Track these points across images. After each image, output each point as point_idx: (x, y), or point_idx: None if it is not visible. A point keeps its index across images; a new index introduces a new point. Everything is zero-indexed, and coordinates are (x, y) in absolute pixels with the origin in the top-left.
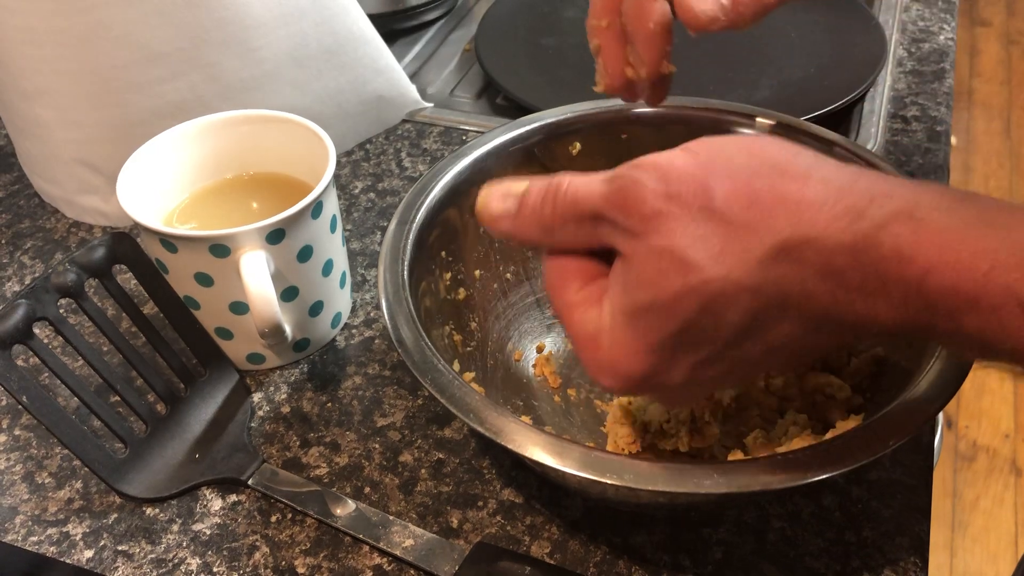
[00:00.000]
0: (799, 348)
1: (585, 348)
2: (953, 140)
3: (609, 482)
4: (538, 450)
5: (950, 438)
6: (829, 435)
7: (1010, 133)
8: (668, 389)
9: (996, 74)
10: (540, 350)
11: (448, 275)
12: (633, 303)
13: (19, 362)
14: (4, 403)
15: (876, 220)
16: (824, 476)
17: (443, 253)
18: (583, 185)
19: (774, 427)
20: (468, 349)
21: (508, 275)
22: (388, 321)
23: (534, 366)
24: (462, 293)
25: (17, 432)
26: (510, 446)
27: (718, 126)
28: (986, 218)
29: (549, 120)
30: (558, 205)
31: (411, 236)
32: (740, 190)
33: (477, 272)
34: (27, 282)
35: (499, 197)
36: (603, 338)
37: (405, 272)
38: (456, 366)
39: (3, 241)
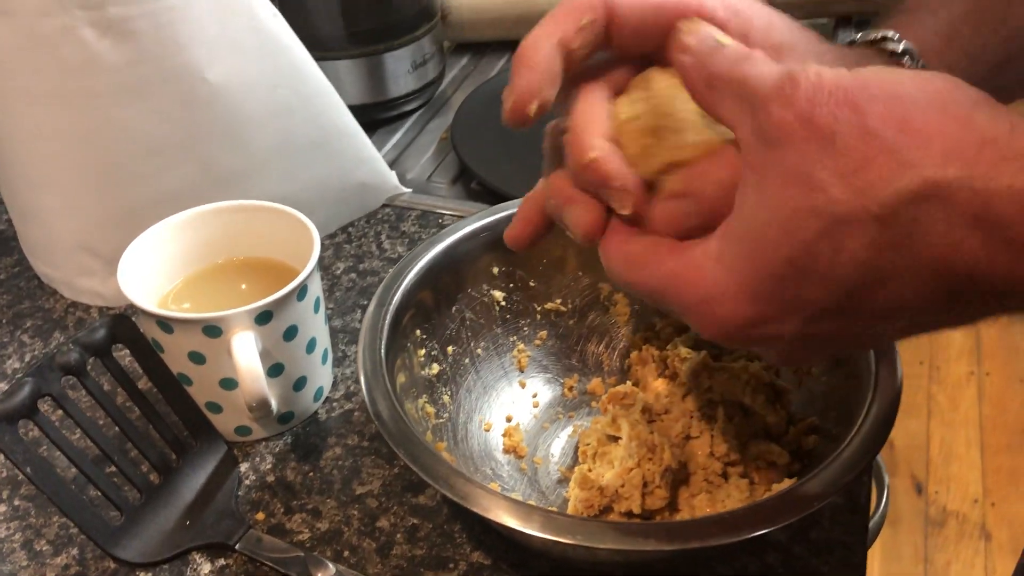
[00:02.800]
0: (930, 316)
1: (684, 285)
2: None
3: (565, 541)
4: (502, 513)
5: (920, 504)
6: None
7: None
8: (778, 342)
9: None
10: (508, 420)
11: (422, 352)
12: (747, 223)
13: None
14: (4, 475)
15: None
16: (757, 533)
17: (418, 332)
18: (761, 65)
19: (719, 490)
20: (440, 420)
21: (479, 351)
22: (366, 396)
23: (503, 436)
24: (435, 368)
25: (16, 502)
26: (476, 510)
27: None
28: None
29: (515, 209)
30: (734, 69)
31: (388, 317)
32: (893, 113)
33: (450, 348)
34: (27, 359)
35: (700, 37)
36: (707, 269)
37: (382, 350)
38: (429, 436)
39: (4, 321)
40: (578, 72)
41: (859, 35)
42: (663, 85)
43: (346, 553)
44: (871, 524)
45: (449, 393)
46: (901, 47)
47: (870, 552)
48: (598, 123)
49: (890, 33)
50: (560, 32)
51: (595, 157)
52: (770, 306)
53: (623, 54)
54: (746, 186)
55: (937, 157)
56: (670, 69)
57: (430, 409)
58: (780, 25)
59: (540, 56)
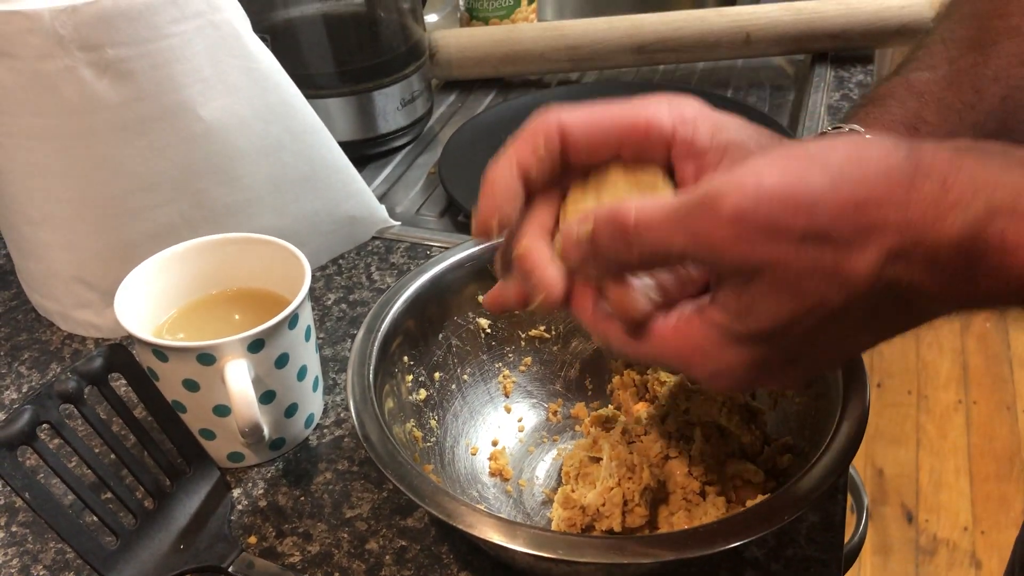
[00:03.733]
0: (896, 329)
1: (691, 361)
2: None
3: (546, 555)
4: (488, 530)
5: (911, 532)
6: None
7: None
8: (779, 378)
9: None
10: (495, 444)
11: (410, 378)
12: (749, 330)
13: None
14: (2, 502)
15: (980, 214)
16: (731, 545)
17: (405, 358)
18: (659, 224)
19: (697, 508)
20: (428, 444)
21: (465, 376)
22: (356, 419)
23: (489, 459)
24: (422, 394)
25: (14, 529)
26: (463, 527)
27: None
28: None
29: (484, 244)
30: (637, 247)
31: (376, 344)
32: (843, 203)
33: (437, 375)
34: (24, 390)
35: (573, 243)
36: (712, 353)
37: (371, 376)
38: (417, 459)
39: (2, 353)
40: (539, 186)
41: (829, 127)
42: (614, 179)
43: (336, 575)
44: (851, 546)
45: (436, 418)
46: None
47: None
48: (538, 224)
49: (856, 127)
50: (518, 158)
51: (520, 253)
52: (775, 368)
53: (581, 166)
54: (737, 295)
55: (893, 229)
56: (628, 164)
57: (418, 433)
58: (729, 124)
59: (500, 183)
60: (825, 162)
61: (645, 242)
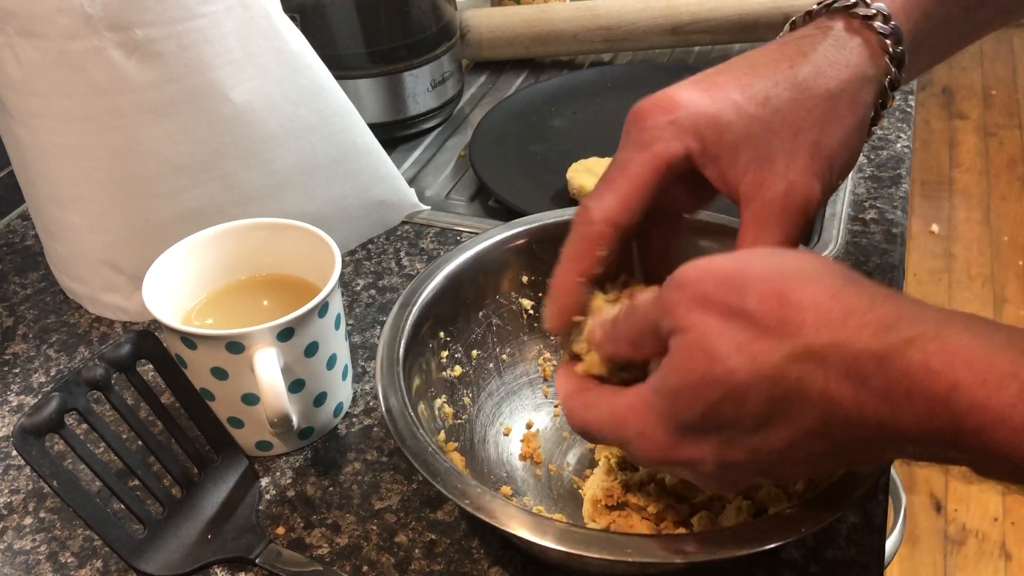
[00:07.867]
0: (824, 451)
1: (624, 422)
2: (935, 228)
3: (581, 553)
4: (516, 524)
5: (939, 522)
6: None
7: (990, 221)
8: (700, 469)
9: (975, 164)
10: (529, 426)
11: (445, 353)
12: (664, 385)
13: (47, 445)
14: (31, 487)
15: (904, 334)
16: (769, 546)
17: (441, 334)
18: (645, 299)
19: (724, 511)
20: (458, 421)
21: (504, 356)
22: (380, 393)
23: (521, 441)
24: (457, 370)
25: (42, 515)
26: (493, 522)
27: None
28: (1016, 342)
29: (532, 224)
30: (633, 322)
31: (411, 318)
32: (771, 292)
33: (474, 352)
34: (52, 373)
35: (599, 325)
36: (641, 412)
37: (401, 350)
38: (442, 436)
39: (30, 335)
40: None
41: (833, 2)
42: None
43: (365, 568)
44: (888, 543)
45: (470, 396)
46: (873, 10)
47: (888, 571)
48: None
49: None
50: (580, 268)
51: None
52: (688, 440)
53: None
54: (667, 355)
55: (811, 327)
56: (652, 287)
57: (448, 409)
58: (726, 120)
59: (567, 292)
60: (772, 256)
61: (638, 320)
